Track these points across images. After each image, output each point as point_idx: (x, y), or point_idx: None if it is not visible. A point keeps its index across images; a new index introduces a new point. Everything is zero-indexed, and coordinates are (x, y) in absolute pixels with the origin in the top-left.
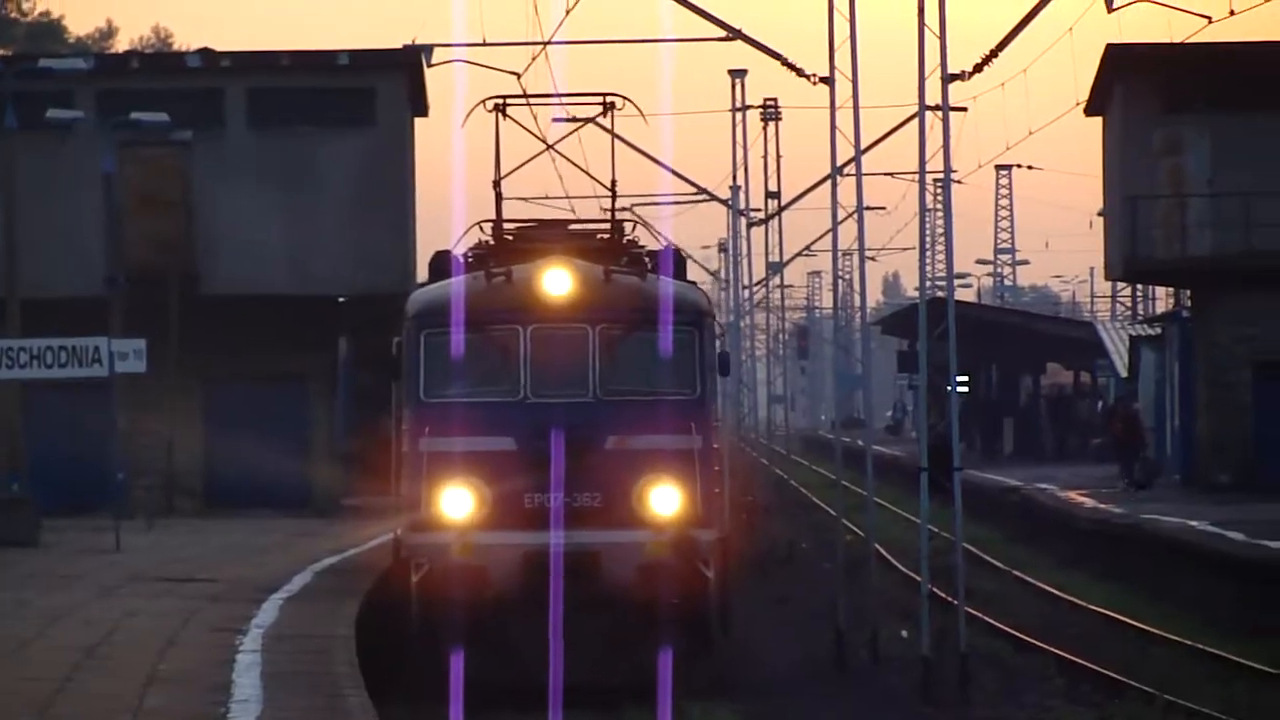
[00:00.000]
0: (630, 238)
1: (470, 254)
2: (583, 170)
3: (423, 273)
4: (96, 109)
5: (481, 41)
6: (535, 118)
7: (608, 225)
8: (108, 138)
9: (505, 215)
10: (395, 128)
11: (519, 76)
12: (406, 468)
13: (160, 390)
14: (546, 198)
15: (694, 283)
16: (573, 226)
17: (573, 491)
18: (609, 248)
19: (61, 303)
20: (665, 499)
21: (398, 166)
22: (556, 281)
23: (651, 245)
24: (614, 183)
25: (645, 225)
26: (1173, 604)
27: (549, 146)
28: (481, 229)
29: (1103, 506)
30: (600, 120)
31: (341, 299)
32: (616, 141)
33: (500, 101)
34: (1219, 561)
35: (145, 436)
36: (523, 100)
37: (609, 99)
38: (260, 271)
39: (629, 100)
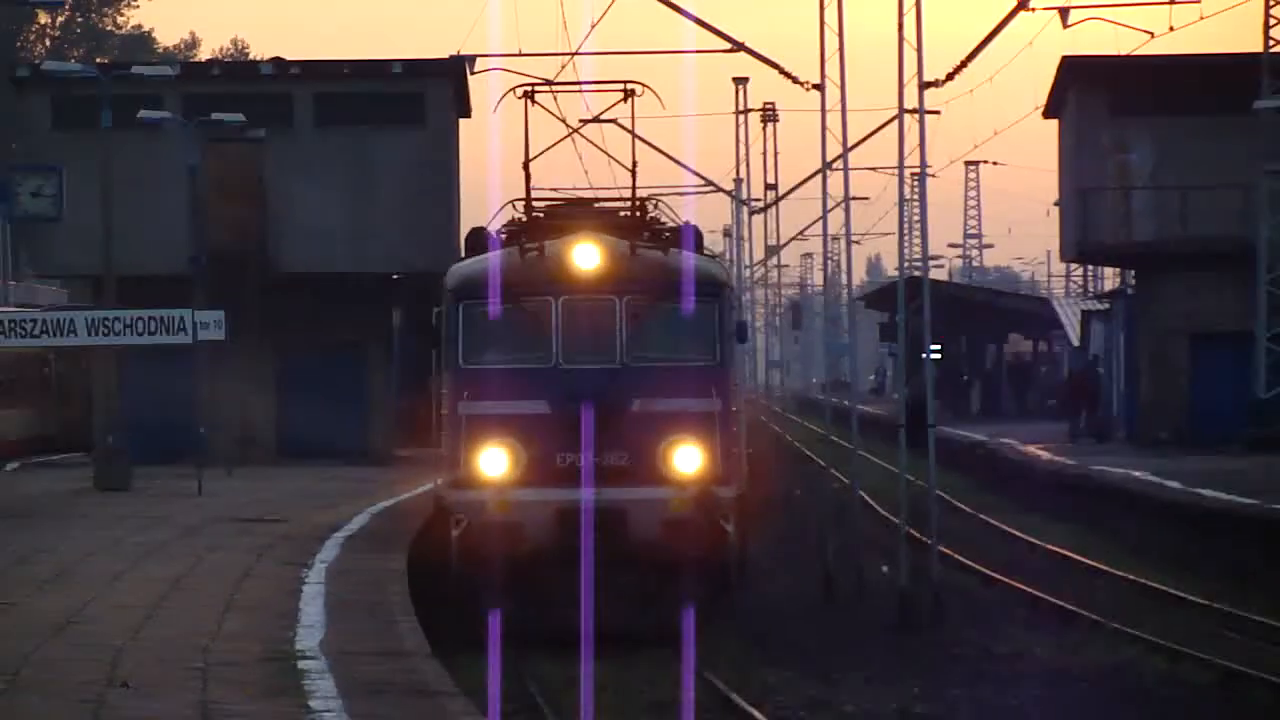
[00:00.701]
0: (652, 215)
1: (503, 230)
2: (605, 153)
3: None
4: (182, 110)
5: (517, 52)
6: (557, 103)
7: (631, 204)
8: (192, 135)
9: (534, 198)
10: (441, 127)
11: (550, 82)
12: (446, 429)
13: (237, 356)
14: (573, 189)
15: (714, 256)
16: (599, 205)
17: (601, 452)
18: (633, 225)
19: (151, 279)
20: (688, 458)
21: (444, 161)
22: (586, 256)
23: (671, 224)
24: (634, 164)
25: (665, 205)
26: (1118, 544)
27: (573, 131)
28: (514, 207)
29: (1058, 459)
30: (619, 114)
31: (395, 276)
32: (635, 135)
33: (529, 88)
34: (1158, 507)
35: (224, 396)
36: (549, 89)
37: (630, 86)
38: (324, 252)
39: (648, 88)
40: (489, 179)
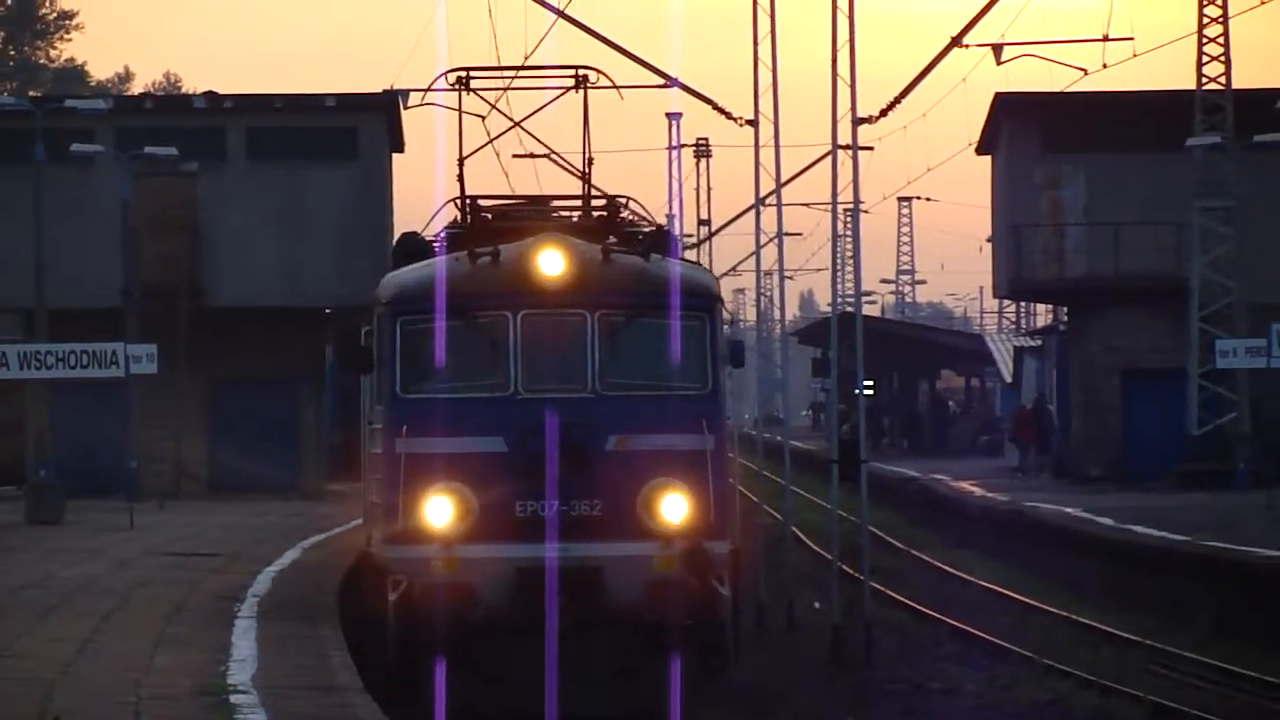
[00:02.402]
0: (626, 216)
1: (443, 235)
2: (551, 152)
3: None
4: (115, 144)
5: (452, 86)
6: (504, 104)
7: (600, 202)
8: (124, 169)
9: (482, 196)
10: (375, 162)
11: (483, 119)
12: (381, 471)
13: (169, 389)
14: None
15: (698, 264)
16: (558, 203)
17: (570, 499)
18: (602, 228)
19: (83, 313)
20: (674, 507)
21: (377, 195)
22: (550, 262)
23: (647, 227)
24: (589, 160)
25: (639, 204)
26: (1050, 580)
27: (516, 124)
28: (457, 206)
29: (990, 495)
30: (569, 109)
31: (328, 310)
32: (588, 125)
33: (464, 74)
34: (1090, 543)
35: (156, 429)
36: (490, 75)
37: (581, 73)
38: (257, 286)
39: (602, 73)
40: (423, 185)
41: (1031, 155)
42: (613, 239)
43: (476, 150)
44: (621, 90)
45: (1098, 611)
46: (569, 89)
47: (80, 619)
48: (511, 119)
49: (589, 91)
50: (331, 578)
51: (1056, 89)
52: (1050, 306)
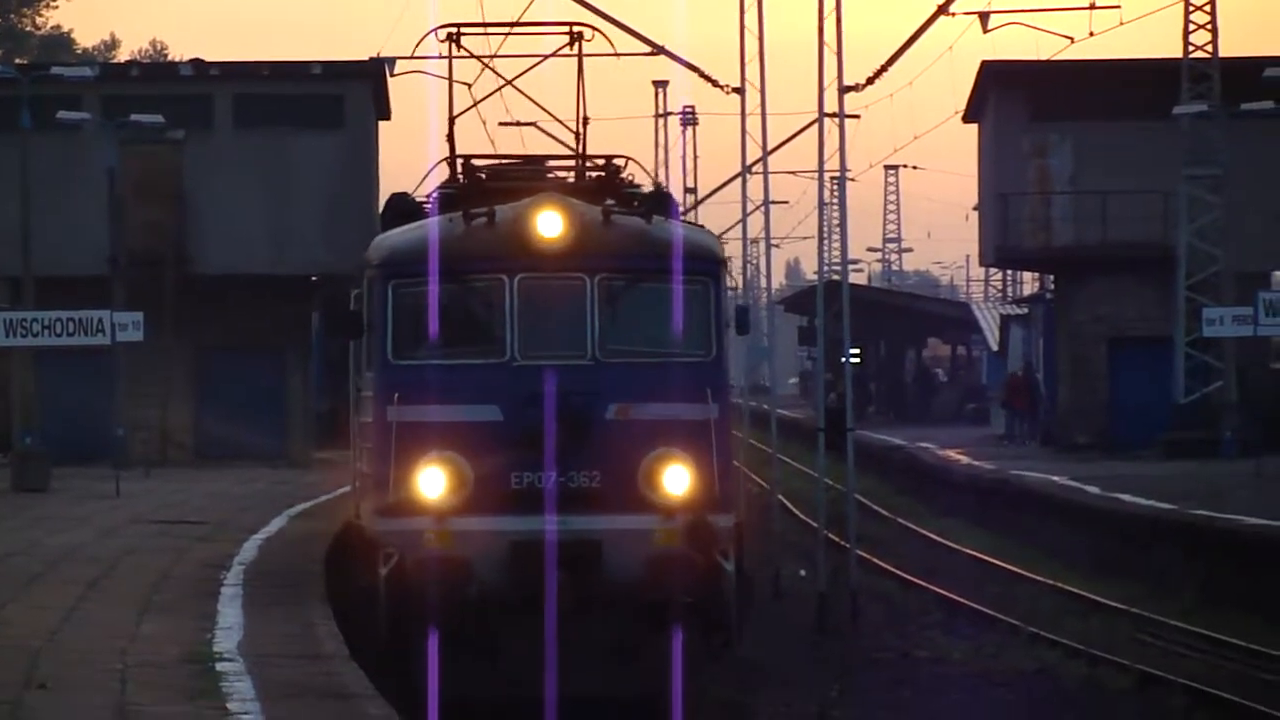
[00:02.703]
0: (626, 176)
1: (436, 195)
2: (545, 110)
3: None
4: (101, 111)
5: (437, 54)
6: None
7: (599, 162)
8: (111, 137)
9: (475, 155)
10: (361, 129)
11: (469, 86)
12: (371, 441)
13: (156, 357)
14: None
15: (701, 226)
16: (554, 163)
17: (568, 470)
18: (600, 189)
19: (69, 281)
20: (676, 479)
21: (364, 162)
22: (548, 223)
23: (645, 189)
24: (584, 119)
25: (638, 164)
26: (1037, 548)
27: (508, 82)
28: (450, 165)
29: (976, 463)
30: (562, 68)
31: (314, 278)
32: (582, 83)
33: (454, 30)
34: (1076, 512)
35: (142, 397)
36: (480, 30)
37: (576, 29)
38: (243, 254)
39: (598, 30)
40: (410, 152)
41: (1018, 123)
42: (611, 200)
43: (467, 109)
44: (614, 52)
45: (1085, 580)
46: (564, 46)
47: (66, 586)
48: (503, 78)
49: (583, 51)
50: (318, 546)
51: (1043, 57)
52: (1037, 275)
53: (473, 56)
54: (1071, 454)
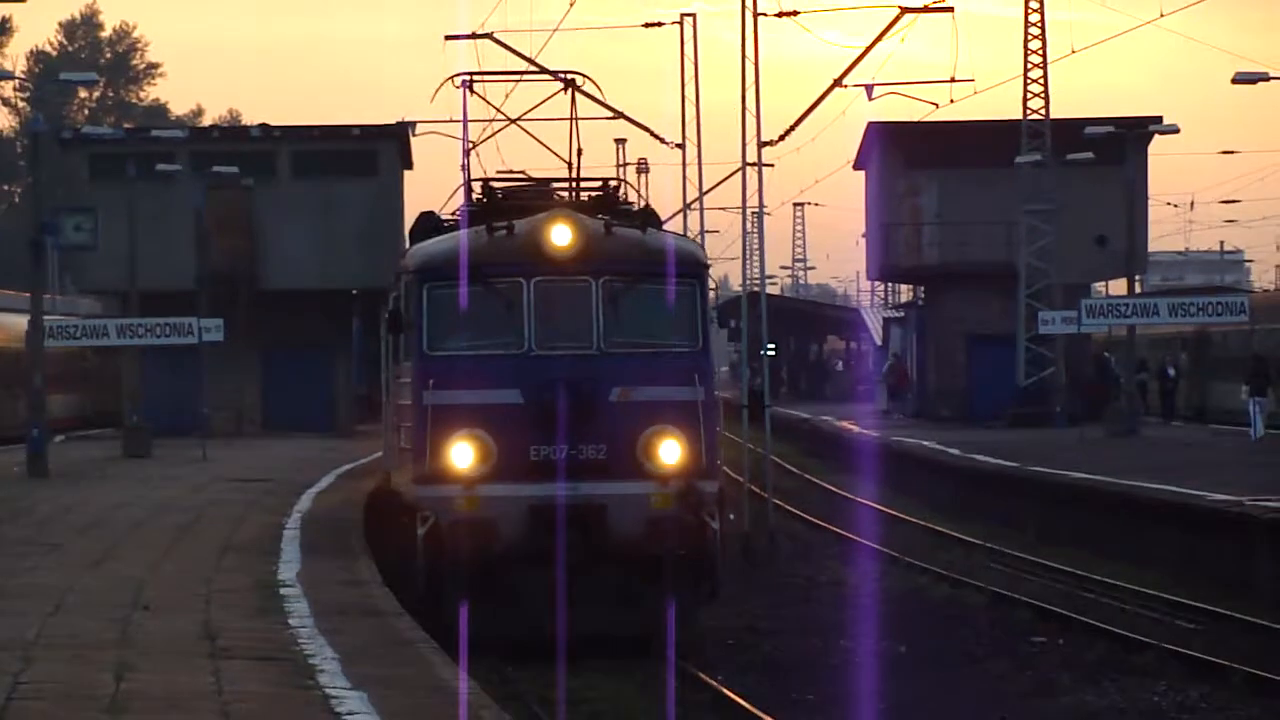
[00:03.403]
0: (620, 195)
1: (464, 211)
2: (543, 144)
3: None
4: (190, 164)
5: (449, 119)
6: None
7: (597, 184)
8: (197, 184)
9: (494, 177)
10: (390, 177)
11: (474, 145)
12: (409, 420)
13: (232, 353)
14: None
15: (686, 236)
16: (558, 184)
17: (577, 444)
18: (600, 206)
19: (166, 295)
20: (670, 451)
21: (392, 202)
22: (560, 234)
23: (637, 206)
24: (579, 151)
25: (630, 186)
26: (911, 497)
27: (512, 121)
28: (472, 188)
29: (865, 431)
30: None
31: (355, 292)
32: (575, 120)
33: (468, 78)
34: (943, 468)
35: (222, 384)
36: (488, 80)
37: (570, 77)
38: (299, 274)
39: (589, 78)
40: (428, 193)
41: (896, 170)
42: (608, 216)
43: (483, 140)
44: (599, 98)
45: (949, 521)
46: (559, 92)
47: (164, 530)
48: (508, 117)
49: (576, 94)
50: (358, 498)
51: (915, 119)
52: (911, 286)
53: (488, 104)
54: (938, 424)
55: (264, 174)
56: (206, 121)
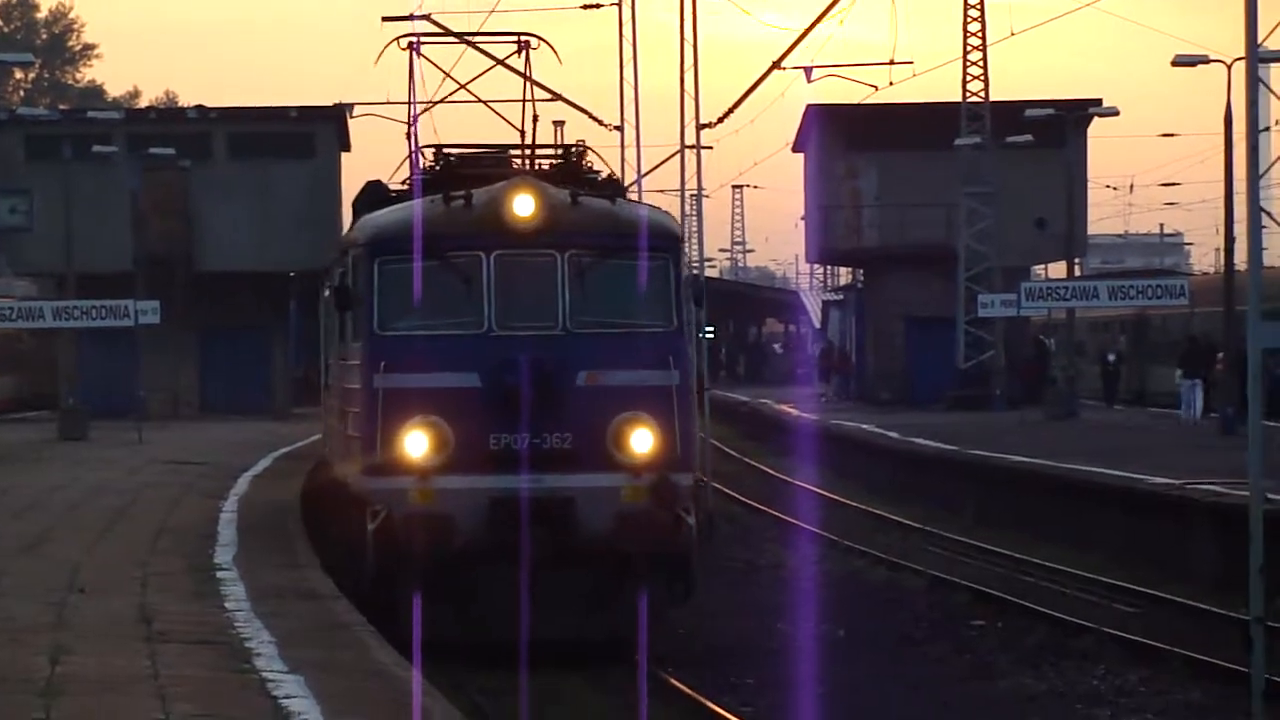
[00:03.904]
0: (584, 163)
1: (418, 179)
2: (494, 111)
3: None
4: (126, 146)
5: (386, 100)
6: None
7: (558, 151)
8: (133, 166)
9: (447, 144)
10: (328, 159)
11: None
12: (358, 405)
13: (169, 335)
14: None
15: (658, 208)
16: (516, 152)
17: (542, 432)
18: (563, 175)
19: (102, 277)
20: (642, 440)
21: (329, 184)
22: (522, 204)
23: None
24: (535, 119)
25: (595, 153)
26: (851, 480)
27: (462, 86)
28: (423, 155)
29: (804, 415)
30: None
31: (291, 274)
32: (532, 82)
33: (415, 40)
34: (881, 451)
35: (158, 366)
36: (437, 38)
37: (524, 39)
38: (236, 256)
39: (544, 40)
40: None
41: (835, 153)
42: (572, 185)
43: (429, 107)
44: (525, 99)
45: (887, 504)
46: (512, 54)
47: (100, 513)
48: (457, 81)
49: (529, 58)
50: (295, 481)
51: (854, 101)
52: (850, 269)
53: (436, 68)
54: (877, 407)
55: (200, 155)
56: (143, 103)
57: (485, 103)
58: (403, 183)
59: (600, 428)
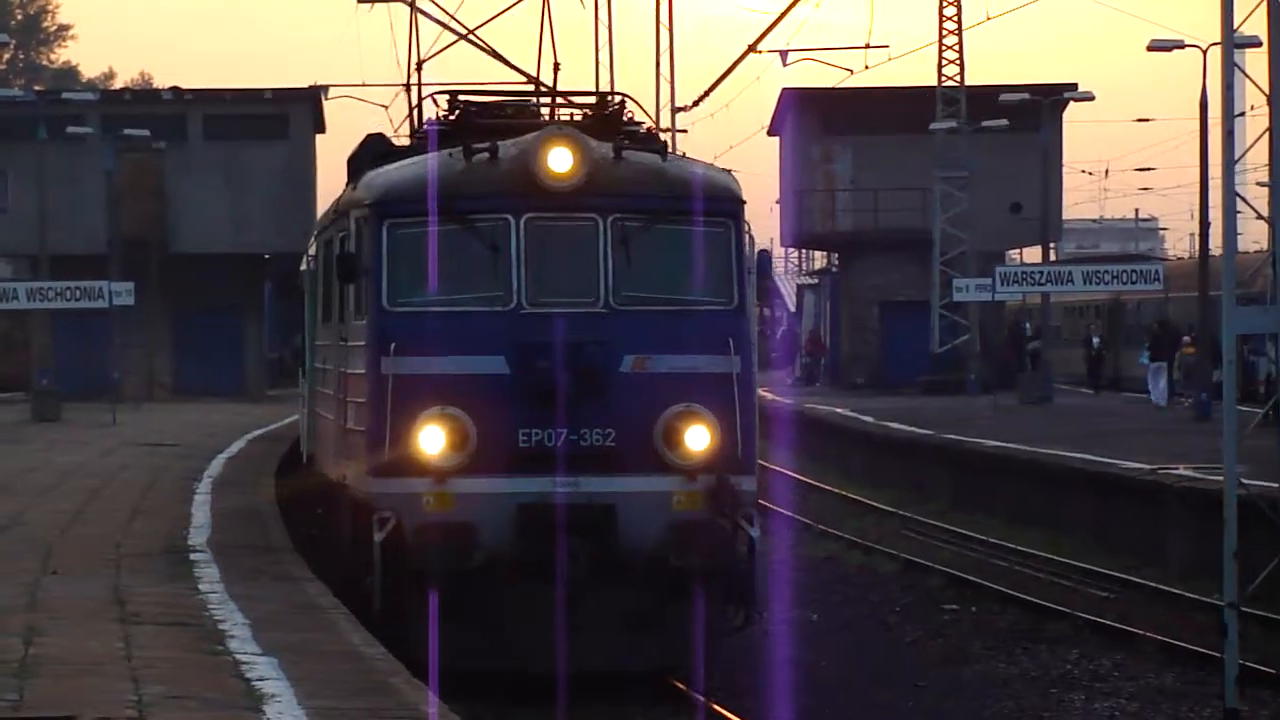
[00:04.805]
0: (628, 115)
1: (427, 133)
2: (504, 61)
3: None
4: (101, 126)
5: (361, 83)
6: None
7: (592, 99)
8: (108, 147)
9: (462, 89)
10: (302, 140)
11: (386, 108)
12: (363, 395)
13: (143, 317)
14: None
15: (716, 166)
16: (545, 100)
17: (580, 427)
18: (601, 128)
19: (76, 258)
20: (698, 438)
21: (304, 166)
22: (558, 159)
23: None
24: (556, 66)
25: (636, 102)
26: (826, 464)
27: (469, 32)
28: (435, 103)
29: (778, 398)
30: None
31: (266, 256)
32: (550, 22)
33: None
34: (856, 435)
35: (133, 347)
36: None
37: None
38: (211, 237)
39: None
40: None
41: (810, 136)
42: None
43: (433, 55)
44: (497, 87)
45: (862, 488)
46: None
47: (73, 494)
48: (463, 26)
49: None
50: (269, 462)
51: (830, 85)
52: (825, 253)
53: (440, 9)
54: (852, 391)
55: (175, 137)
56: (118, 84)
57: (495, 53)
58: (412, 135)
59: (648, 422)
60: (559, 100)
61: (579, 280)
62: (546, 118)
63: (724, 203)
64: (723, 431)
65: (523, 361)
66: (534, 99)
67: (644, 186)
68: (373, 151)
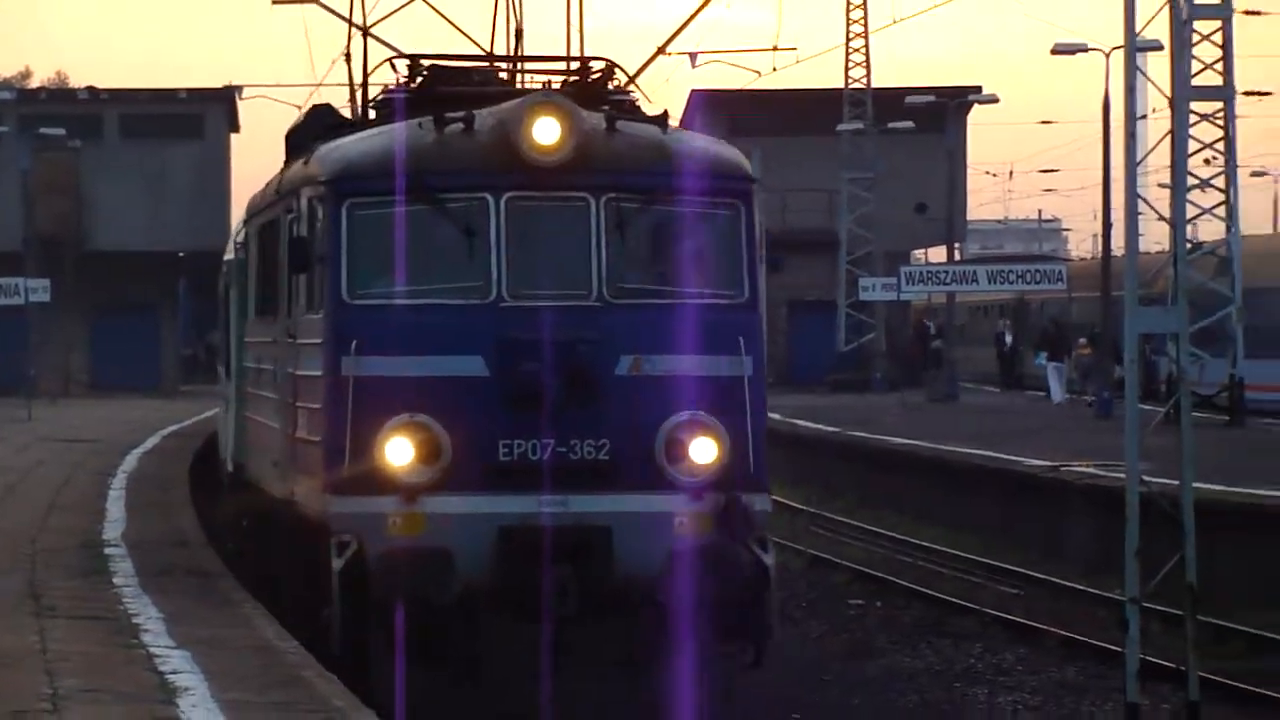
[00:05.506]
0: (615, 84)
1: (399, 99)
2: (458, 29)
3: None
4: (17, 125)
5: (275, 84)
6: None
7: (573, 65)
8: (24, 146)
9: (429, 56)
10: (217, 140)
11: (299, 108)
12: (319, 401)
13: (59, 313)
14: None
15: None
16: (525, 66)
17: (569, 437)
18: (584, 97)
19: None
20: (703, 449)
21: (218, 165)
22: (544, 130)
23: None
24: (519, 33)
25: (624, 72)
26: None
27: None
28: (394, 68)
29: None
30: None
31: (181, 254)
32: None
33: None
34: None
35: (49, 344)
36: None
37: None
38: (126, 235)
39: None
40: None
41: (719, 137)
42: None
43: (386, 17)
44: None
45: (771, 487)
46: None
47: None
48: None
49: None
50: (183, 458)
51: (738, 87)
52: None
53: None
54: None
55: (91, 136)
56: (34, 83)
57: (447, 19)
58: (364, 107)
59: (648, 433)
60: (534, 67)
61: (568, 269)
62: (527, 83)
63: (734, 181)
64: (733, 443)
65: (504, 362)
66: (508, 65)
67: (642, 162)
68: (321, 123)
